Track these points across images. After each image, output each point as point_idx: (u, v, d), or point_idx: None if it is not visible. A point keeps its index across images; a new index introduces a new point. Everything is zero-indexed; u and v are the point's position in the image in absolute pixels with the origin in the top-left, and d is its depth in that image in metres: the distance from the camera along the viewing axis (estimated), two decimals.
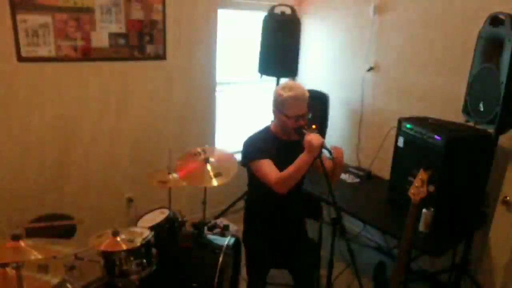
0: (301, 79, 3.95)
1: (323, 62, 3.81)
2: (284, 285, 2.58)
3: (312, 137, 1.94)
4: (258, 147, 2.15)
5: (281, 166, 2.06)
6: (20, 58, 2.58)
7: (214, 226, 2.74)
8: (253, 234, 2.37)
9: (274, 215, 2.29)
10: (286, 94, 2.07)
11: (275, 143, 2.20)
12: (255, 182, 2.18)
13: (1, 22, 2.48)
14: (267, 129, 2.27)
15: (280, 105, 2.10)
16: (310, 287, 2.30)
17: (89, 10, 2.76)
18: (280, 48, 3.39)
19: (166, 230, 2.36)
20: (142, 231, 2.14)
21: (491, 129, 2.13)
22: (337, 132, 3.68)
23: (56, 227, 2.31)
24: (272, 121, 2.28)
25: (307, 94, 2.11)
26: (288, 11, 3.43)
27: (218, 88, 3.64)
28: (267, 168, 2.07)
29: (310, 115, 2.12)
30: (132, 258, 2.02)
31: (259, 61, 3.49)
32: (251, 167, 2.16)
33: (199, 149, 2.51)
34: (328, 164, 2.10)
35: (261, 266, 2.30)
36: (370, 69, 3.33)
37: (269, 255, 2.32)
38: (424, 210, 2.32)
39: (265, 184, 2.08)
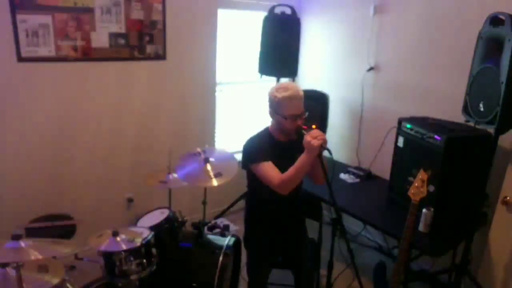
0: (301, 79, 3.95)
1: (323, 62, 3.81)
2: (285, 285, 2.58)
3: (311, 138, 1.94)
4: (258, 149, 2.15)
5: (281, 167, 2.06)
6: (20, 58, 2.58)
7: (214, 226, 2.74)
8: (255, 236, 2.37)
9: (275, 216, 2.29)
10: (281, 95, 2.07)
11: (275, 145, 2.19)
12: (256, 185, 2.18)
13: (1, 22, 2.48)
14: (266, 130, 2.26)
15: (277, 106, 2.10)
16: (311, 287, 2.30)
17: (89, 10, 2.76)
18: (280, 48, 3.39)
19: (166, 230, 2.36)
20: (142, 231, 2.14)
21: (491, 129, 2.13)
22: (337, 132, 3.68)
23: (56, 227, 2.32)
24: (271, 123, 2.28)
25: (302, 93, 2.10)
26: (288, 11, 3.43)
27: (218, 88, 3.64)
28: (269, 171, 2.07)
29: (307, 114, 2.12)
30: (132, 258, 2.01)
31: (259, 61, 3.49)
32: (252, 169, 2.16)
33: (199, 149, 2.51)
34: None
35: (263, 267, 2.29)
36: (370, 69, 3.33)
37: (271, 255, 2.32)
38: (424, 210, 2.32)
39: (266, 186, 2.08)
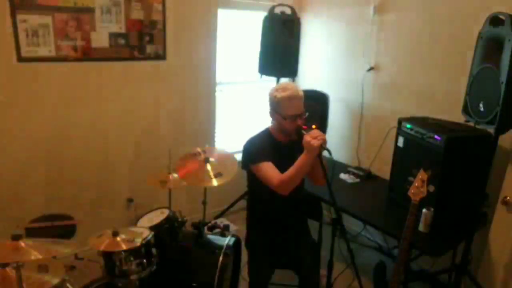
0: (301, 79, 3.95)
1: (323, 62, 3.81)
2: (286, 285, 2.58)
3: (311, 138, 1.94)
4: (258, 149, 2.15)
5: (281, 167, 2.06)
6: (20, 58, 2.58)
7: (214, 226, 2.74)
8: (255, 236, 2.37)
9: (275, 216, 2.29)
10: (280, 95, 2.07)
11: (275, 145, 2.19)
12: (256, 185, 2.18)
13: (1, 22, 2.48)
14: (266, 131, 2.26)
15: (276, 106, 2.11)
16: (315, 287, 2.30)
17: (89, 10, 2.76)
18: (280, 48, 3.39)
19: (166, 230, 2.36)
20: (142, 231, 2.14)
21: (491, 129, 2.13)
22: (337, 132, 3.68)
23: (56, 227, 2.31)
24: (271, 123, 2.28)
25: (302, 93, 2.11)
26: (288, 11, 3.43)
27: (218, 88, 3.64)
28: (269, 171, 2.07)
29: (307, 114, 2.12)
30: (132, 258, 2.01)
31: (259, 61, 3.49)
32: (252, 170, 2.16)
33: (199, 149, 2.51)
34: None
35: (264, 268, 2.29)
36: (370, 69, 3.33)
37: (271, 256, 2.32)
38: (424, 210, 2.32)
39: (266, 186, 2.08)
